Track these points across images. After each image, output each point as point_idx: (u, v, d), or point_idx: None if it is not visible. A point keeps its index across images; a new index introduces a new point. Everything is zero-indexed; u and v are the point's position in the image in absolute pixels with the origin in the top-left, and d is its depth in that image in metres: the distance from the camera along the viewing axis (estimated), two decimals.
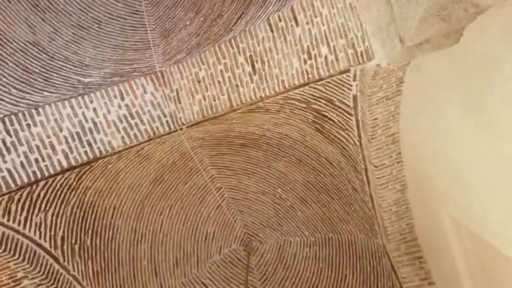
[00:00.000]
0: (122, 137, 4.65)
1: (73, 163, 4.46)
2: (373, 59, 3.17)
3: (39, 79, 4.87)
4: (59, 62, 5.16)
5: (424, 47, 2.33)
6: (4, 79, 4.66)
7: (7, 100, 4.49)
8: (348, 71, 3.71)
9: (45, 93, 4.72)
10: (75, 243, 5.18)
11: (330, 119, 4.58)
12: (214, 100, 4.65)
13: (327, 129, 4.74)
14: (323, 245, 6.22)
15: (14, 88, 4.63)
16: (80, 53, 5.38)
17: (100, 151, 4.56)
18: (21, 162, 4.18)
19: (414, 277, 4.78)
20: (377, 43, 2.71)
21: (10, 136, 4.17)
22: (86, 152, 4.49)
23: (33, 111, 4.32)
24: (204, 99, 4.69)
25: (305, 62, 3.92)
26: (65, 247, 5.04)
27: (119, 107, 4.63)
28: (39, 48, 5.14)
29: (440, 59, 2.84)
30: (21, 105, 4.46)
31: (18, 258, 4.43)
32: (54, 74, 5.00)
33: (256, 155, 5.98)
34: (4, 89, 4.59)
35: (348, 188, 5.32)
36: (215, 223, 6.67)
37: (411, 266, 4.79)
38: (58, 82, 4.92)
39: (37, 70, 4.95)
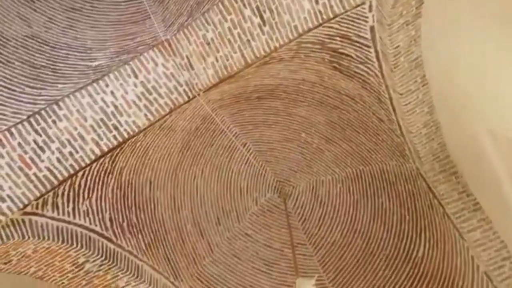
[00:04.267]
0: (145, 114, 4.65)
1: (105, 149, 4.52)
2: None
3: (49, 73, 4.82)
4: (62, 51, 5.07)
5: None
6: (15, 79, 4.62)
7: (25, 100, 4.48)
8: (363, 3, 3.56)
9: (59, 86, 4.69)
10: (123, 221, 5.43)
11: (347, 55, 4.49)
12: (227, 60, 4.56)
13: (345, 65, 4.66)
14: (355, 178, 6.37)
15: (28, 86, 4.60)
16: (80, 37, 5.26)
17: (128, 132, 4.59)
18: (57, 158, 4.25)
19: (452, 192, 4.91)
20: None
21: (40, 135, 4.21)
22: (114, 136, 4.54)
23: (54, 106, 4.31)
24: (217, 60, 4.60)
25: (316, 2, 3.76)
26: (114, 227, 5.30)
27: (135, 85, 4.59)
28: (39, 40, 5.03)
29: None
30: (40, 102, 4.45)
31: (76, 246, 4.67)
32: (61, 64, 4.93)
33: (275, 105, 5.98)
34: (19, 89, 4.56)
35: (374, 120, 5.34)
36: (247, 176, 6.85)
37: (448, 182, 4.91)
38: (67, 72, 4.87)
39: (44, 64, 4.89)
